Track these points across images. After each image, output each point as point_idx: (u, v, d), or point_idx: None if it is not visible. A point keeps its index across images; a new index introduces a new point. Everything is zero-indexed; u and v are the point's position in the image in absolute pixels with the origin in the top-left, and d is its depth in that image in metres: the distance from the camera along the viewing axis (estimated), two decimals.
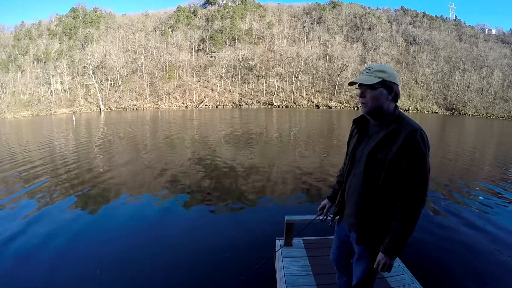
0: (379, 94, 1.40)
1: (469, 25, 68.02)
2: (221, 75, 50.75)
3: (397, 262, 2.58)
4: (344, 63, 51.54)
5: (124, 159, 9.00)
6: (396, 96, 1.44)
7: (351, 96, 48.21)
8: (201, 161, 8.58)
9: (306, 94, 51.09)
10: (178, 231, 4.09)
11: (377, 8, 71.42)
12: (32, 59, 50.14)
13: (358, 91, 1.47)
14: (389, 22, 64.77)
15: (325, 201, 1.93)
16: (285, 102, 49.81)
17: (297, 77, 51.20)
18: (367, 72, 1.43)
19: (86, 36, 54.10)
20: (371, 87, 1.40)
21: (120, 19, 62.63)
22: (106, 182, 6.47)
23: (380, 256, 1.40)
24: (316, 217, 1.99)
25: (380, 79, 1.39)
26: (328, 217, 1.93)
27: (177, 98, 48.90)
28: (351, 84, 1.50)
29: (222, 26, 57.81)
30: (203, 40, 55.90)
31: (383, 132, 1.41)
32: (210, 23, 59.63)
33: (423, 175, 1.33)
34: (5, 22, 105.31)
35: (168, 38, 56.08)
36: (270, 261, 2.96)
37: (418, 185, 1.32)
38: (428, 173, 1.34)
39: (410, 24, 63.50)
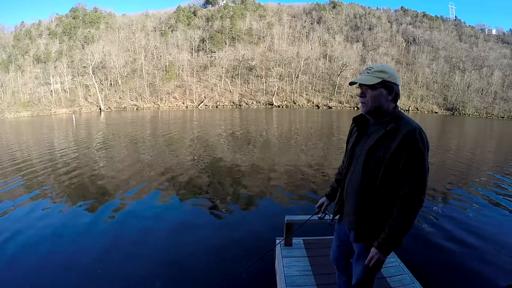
0: (379, 94, 1.41)
1: (469, 25, 68.02)
2: (221, 75, 50.74)
3: (397, 262, 2.58)
4: (344, 63, 51.53)
5: (123, 159, 9.00)
6: (396, 96, 1.45)
7: (351, 96, 48.20)
8: (201, 161, 8.58)
9: (306, 94, 51.08)
10: (177, 231, 4.09)
11: (377, 8, 71.50)
12: (32, 59, 50.12)
13: (358, 90, 1.49)
14: (389, 22, 64.75)
15: (323, 199, 1.93)
16: (285, 102, 49.78)
17: (297, 77, 51.18)
18: (368, 72, 1.44)
19: (86, 36, 54.08)
20: (372, 87, 1.42)
21: (120, 19, 62.63)
22: (104, 182, 6.47)
23: (373, 251, 1.40)
24: (313, 214, 1.99)
25: (380, 80, 1.40)
26: (327, 215, 1.93)
27: (177, 98, 48.89)
28: (351, 83, 1.51)
29: (222, 26, 57.83)
30: (203, 40, 55.89)
31: (382, 131, 1.42)
32: (210, 23, 59.63)
33: (421, 174, 1.33)
34: (5, 22, 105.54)
35: (168, 38, 56.07)
36: (269, 260, 2.96)
37: (416, 184, 1.32)
38: (427, 172, 1.34)
39: (410, 24, 63.50)
